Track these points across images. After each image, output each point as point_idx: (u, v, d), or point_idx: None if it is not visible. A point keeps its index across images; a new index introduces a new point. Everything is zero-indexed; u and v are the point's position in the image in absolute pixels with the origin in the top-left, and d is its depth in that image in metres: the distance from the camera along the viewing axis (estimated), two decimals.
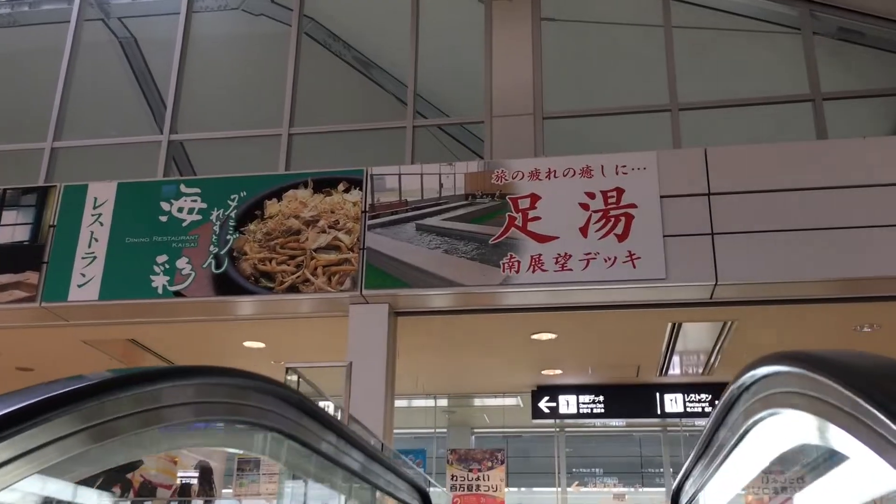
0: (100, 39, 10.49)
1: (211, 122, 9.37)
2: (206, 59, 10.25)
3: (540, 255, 6.00)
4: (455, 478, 8.86)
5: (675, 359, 7.98)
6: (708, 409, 8.42)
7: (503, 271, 6.00)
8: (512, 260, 6.03)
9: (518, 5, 7.97)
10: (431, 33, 9.24)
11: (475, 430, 10.83)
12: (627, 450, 13.60)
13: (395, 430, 10.30)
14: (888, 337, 6.87)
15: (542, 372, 8.41)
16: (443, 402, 9.77)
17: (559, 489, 10.13)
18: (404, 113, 7.73)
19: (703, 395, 8.50)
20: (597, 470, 13.58)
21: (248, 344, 7.41)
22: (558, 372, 8.39)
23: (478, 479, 8.81)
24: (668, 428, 10.44)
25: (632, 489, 14.04)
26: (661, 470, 11.33)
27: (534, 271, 5.97)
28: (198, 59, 10.24)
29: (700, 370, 8.27)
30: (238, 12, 10.28)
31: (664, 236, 5.93)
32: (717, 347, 7.49)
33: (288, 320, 6.71)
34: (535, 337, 7.20)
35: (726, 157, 6.13)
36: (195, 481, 7.29)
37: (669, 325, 6.89)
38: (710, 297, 6.05)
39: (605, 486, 13.91)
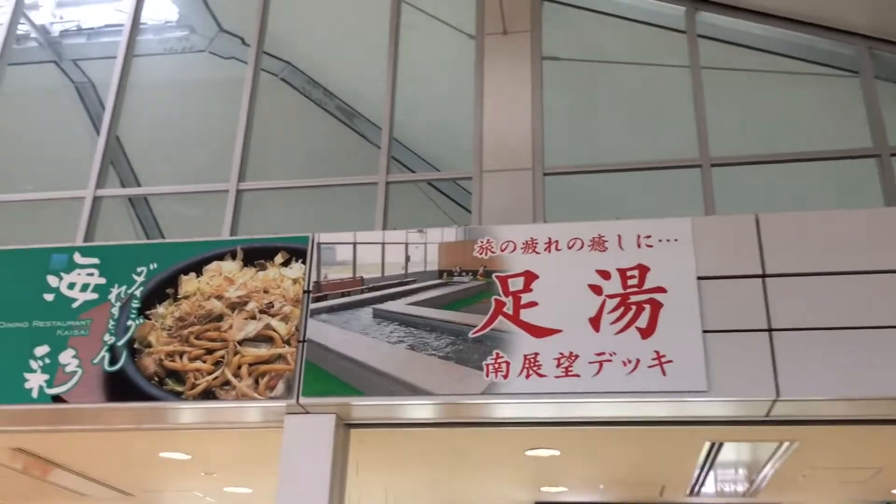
0: (54, 84, 9.24)
1: (174, 175, 7.98)
2: (170, 105, 8.93)
3: (536, 354, 4.46)
4: None
5: (711, 476, 6.34)
6: None
7: (487, 375, 4.45)
8: (499, 360, 4.48)
9: (515, 40, 6.59)
10: (423, 79, 7.87)
11: None
12: None
13: None
14: None
15: (542, 489, 6.77)
16: None
17: None
18: (391, 168, 6.29)
19: None
20: None
21: (166, 455, 5.82)
22: (562, 489, 6.74)
23: None
24: None
25: None
26: None
27: (528, 376, 4.42)
28: (159, 105, 8.90)
29: (742, 489, 6.62)
30: (206, 55, 8.97)
31: (704, 332, 4.38)
32: (768, 467, 5.86)
33: (211, 430, 5.14)
34: (531, 454, 5.60)
35: (786, 226, 4.61)
36: None
37: (707, 443, 5.29)
38: (767, 415, 4.47)
39: None
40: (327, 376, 4.60)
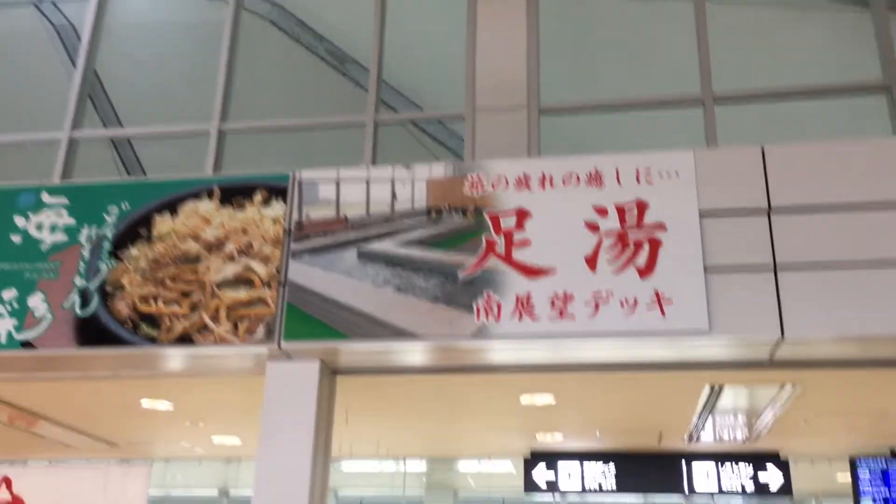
0: (34, 27, 8.87)
1: (160, 118, 7.67)
2: (157, 46, 8.59)
3: (529, 295, 4.23)
4: None
5: (711, 422, 6.18)
6: (749, 487, 6.60)
7: (478, 318, 4.23)
8: (490, 302, 4.25)
9: None
10: (415, 17, 7.53)
11: (461, 494, 9.00)
12: None
13: (363, 494, 8.53)
14: None
15: (537, 436, 6.61)
16: (420, 466, 7.96)
17: None
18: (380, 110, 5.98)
19: (745, 467, 6.67)
20: None
21: (148, 404, 5.63)
22: (557, 436, 6.59)
23: None
24: None
25: None
26: None
27: (520, 318, 4.19)
28: (146, 46, 8.57)
29: (742, 436, 6.46)
30: None
31: (706, 270, 4.14)
32: (769, 413, 5.69)
33: (191, 378, 4.94)
34: (525, 400, 5.42)
35: (793, 157, 4.35)
36: None
37: (708, 387, 5.10)
38: (770, 357, 4.26)
39: None
40: (310, 319, 4.38)
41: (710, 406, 5.71)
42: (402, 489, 7.54)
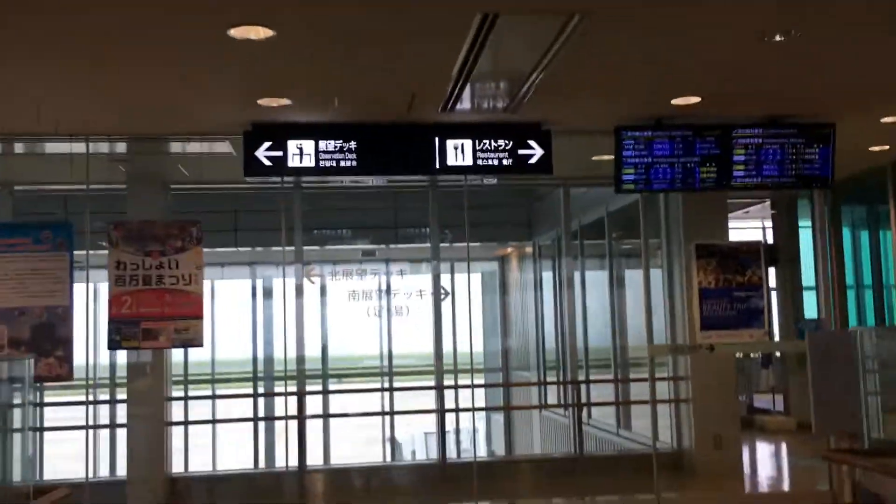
0: None
1: None
2: None
3: None
4: (121, 265, 5.71)
5: (471, 87, 5.11)
6: (507, 162, 5.82)
7: None
8: None
9: None
10: None
11: (174, 188, 7.54)
12: (382, 207, 11.08)
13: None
14: (803, 48, 4.46)
15: (260, 102, 5.20)
16: (115, 147, 6.29)
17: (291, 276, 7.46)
18: None
19: (502, 142, 5.83)
20: (344, 232, 11.04)
21: None
22: (285, 102, 5.22)
23: (160, 266, 5.72)
24: (441, 182, 7.87)
25: (383, 246, 11.81)
26: (426, 230, 8.95)
27: None
28: None
29: (502, 104, 5.51)
30: None
31: None
32: (542, 65, 4.69)
33: None
34: (235, 34, 3.92)
35: None
36: None
37: (478, 18, 3.91)
38: None
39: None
40: None
41: (472, 59, 4.60)
42: (86, 177, 5.93)
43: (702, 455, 7.36)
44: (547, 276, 11.94)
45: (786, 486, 7.68)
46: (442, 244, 8.70)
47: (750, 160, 5.72)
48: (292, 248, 7.75)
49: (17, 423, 4.31)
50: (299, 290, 7.67)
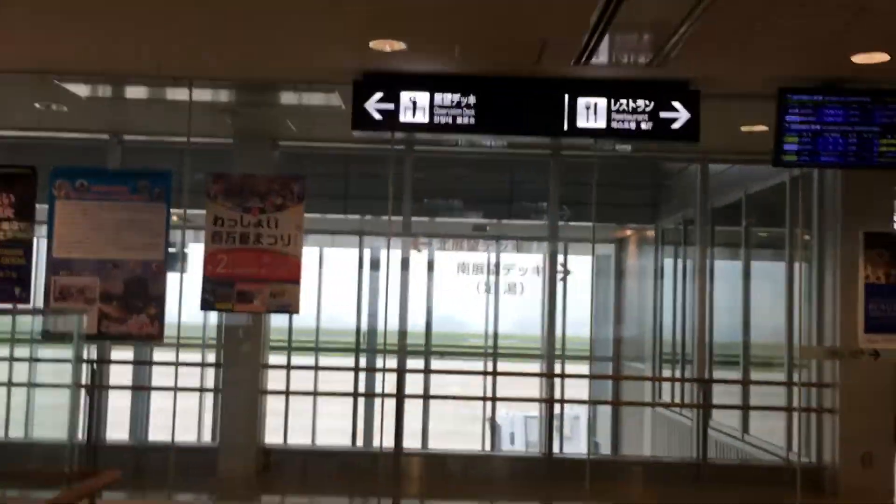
0: None
1: None
2: None
3: None
4: (219, 221, 5.33)
5: (611, 36, 4.41)
6: (646, 126, 5.08)
7: None
8: None
9: None
10: None
11: (282, 145, 7.16)
12: (499, 179, 10.47)
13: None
14: None
15: (372, 45, 4.67)
16: (220, 95, 5.93)
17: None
18: None
19: (641, 102, 5.09)
20: (455, 202, 10.48)
21: None
22: (399, 45, 4.67)
23: (258, 224, 5.32)
24: (565, 151, 7.19)
25: (495, 220, 11.19)
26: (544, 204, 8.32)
27: None
28: None
29: (645, 58, 4.78)
30: None
31: None
32: (696, 12, 3.95)
33: None
34: None
35: None
36: None
37: None
38: None
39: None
40: None
41: (609, 13, 3.93)
42: (187, 133, 5.58)
43: (847, 473, 6.45)
44: (669, 263, 11.06)
45: None
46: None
47: None
48: (400, 217, 7.28)
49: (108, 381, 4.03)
50: (405, 263, 7.19)
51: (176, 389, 5.73)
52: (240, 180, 5.44)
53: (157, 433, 8.21)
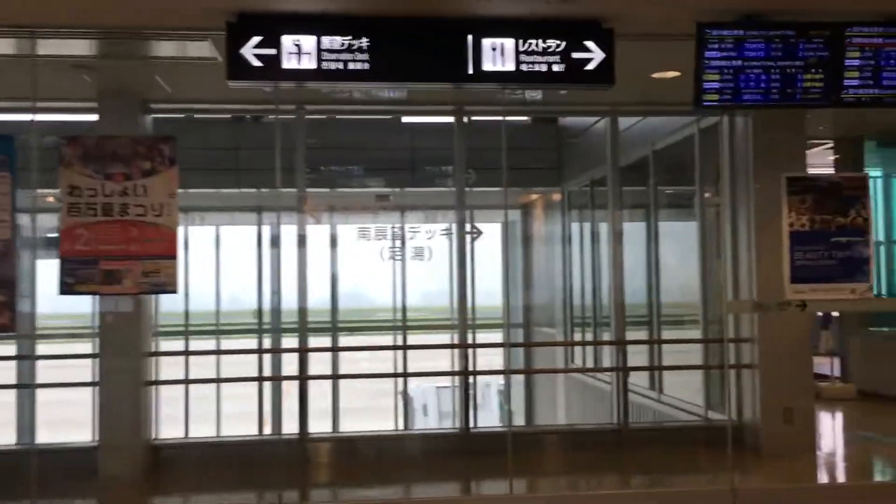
0: None
1: None
2: None
3: None
4: (76, 191, 4.60)
5: None
6: (558, 68, 4.63)
7: None
8: None
9: None
10: None
11: (154, 108, 6.39)
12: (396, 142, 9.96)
13: None
14: None
15: None
16: (69, 48, 5.11)
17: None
18: None
19: (552, 42, 4.63)
20: (353, 168, 9.88)
21: None
22: None
23: (124, 193, 4.61)
24: (466, 107, 6.71)
25: (397, 189, 10.68)
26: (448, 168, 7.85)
27: None
28: None
29: None
30: None
31: None
32: None
33: None
34: None
35: None
36: None
37: None
38: None
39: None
40: None
41: None
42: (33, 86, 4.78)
43: (769, 430, 6.28)
44: (576, 227, 10.82)
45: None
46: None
47: (866, 66, 4.52)
48: (294, 189, 6.65)
49: None
50: (301, 240, 6.59)
51: (39, 385, 4.99)
52: (99, 143, 4.70)
53: (48, 434, 7.39)
